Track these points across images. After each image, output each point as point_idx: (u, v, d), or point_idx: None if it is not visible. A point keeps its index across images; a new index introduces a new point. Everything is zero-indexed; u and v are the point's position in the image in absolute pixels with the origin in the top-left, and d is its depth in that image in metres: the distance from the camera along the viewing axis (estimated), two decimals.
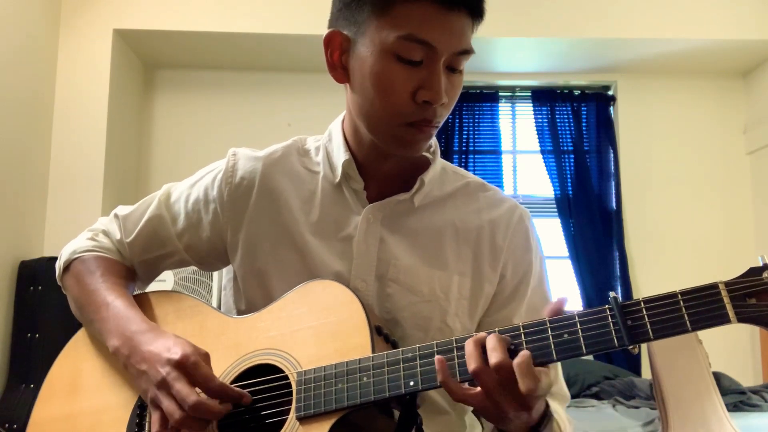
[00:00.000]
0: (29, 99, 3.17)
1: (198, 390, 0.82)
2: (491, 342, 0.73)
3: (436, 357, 0.75)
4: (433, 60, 0.85)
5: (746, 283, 0.68)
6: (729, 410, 2.15)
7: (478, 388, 0.73)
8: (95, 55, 3.40)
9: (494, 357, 0.71)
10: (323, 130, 1.04)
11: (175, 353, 0.83)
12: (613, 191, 3.90)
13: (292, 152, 1.03)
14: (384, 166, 0.97)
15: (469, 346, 0.74)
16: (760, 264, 0.68)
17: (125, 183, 3.62)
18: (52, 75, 3.36)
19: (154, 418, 0.83)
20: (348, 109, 0.98)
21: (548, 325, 0.74)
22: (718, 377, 2.39)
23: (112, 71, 3.42)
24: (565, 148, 3.92)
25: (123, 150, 3.60)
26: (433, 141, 1.03)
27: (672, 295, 0.70)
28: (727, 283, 0.68)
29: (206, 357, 0.86)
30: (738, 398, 2.58)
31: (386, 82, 0.86)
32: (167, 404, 0.81)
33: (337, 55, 0.91)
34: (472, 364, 0.72)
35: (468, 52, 0.87)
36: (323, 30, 0.92)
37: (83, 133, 3.35)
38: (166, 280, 3.03)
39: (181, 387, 0.80)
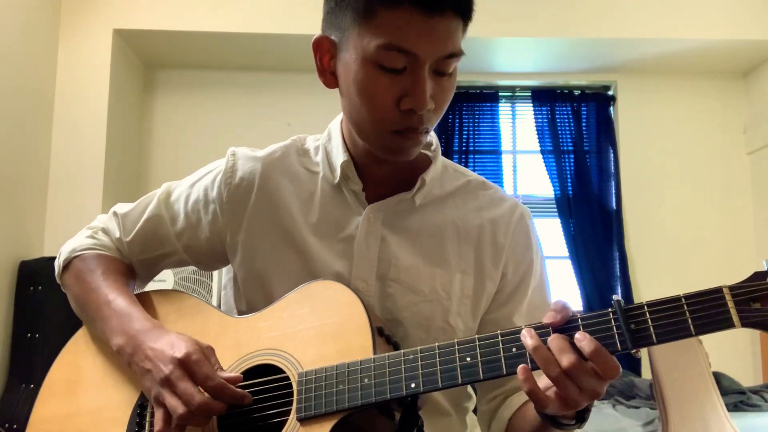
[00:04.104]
0: (29, 99, 3.17)
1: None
2: (559, 343, 0.71)
3: (520, 366, 0.72)
4: (416, 67, 0.81)
5: (751, 287, 0.67)
6: (729, 410, 2.15)
7: (552, 390, 0.72)
8: (95, 55, 3.40)
9: (565, 359, 0.69)
10: (323, 130, 1.04)
11: (179, 351, 0.83)
12: (613, 191, 3.89)
13: (291, 152, 1.02)
14: (381, 168, 0.96)
15: (535, 341, 0.71)
16: (765, 268, 0.67)
17: (125, 183, 3.61)
18: (52, 75, 3.35)
19: (157, 416, 0.83)
20: None
21: (551, 328, 0.73)
22: (718, 377, 2.39)
23: (112, 71, 3.41)
24: (565, 148, 3.92)
25: (123, 150, 3.59)
26: (434, 139, 1.02)
27: (676, 299, 0.69)
28: (731, 288, 0.68)
29: (210, 350, 0.86)
30: (738, 398, 2.58)
31: (370, 90, 0.84)
32: (171, 401, 0.81)
33: (326, 60, 0.90)
34: (552, 371, 0.70)
35: (456, 55, 0.83)
36: None
37: (83, 133, 3.34)
38: (166, 280, 3.02)
39: (186, 386, 0.80)
